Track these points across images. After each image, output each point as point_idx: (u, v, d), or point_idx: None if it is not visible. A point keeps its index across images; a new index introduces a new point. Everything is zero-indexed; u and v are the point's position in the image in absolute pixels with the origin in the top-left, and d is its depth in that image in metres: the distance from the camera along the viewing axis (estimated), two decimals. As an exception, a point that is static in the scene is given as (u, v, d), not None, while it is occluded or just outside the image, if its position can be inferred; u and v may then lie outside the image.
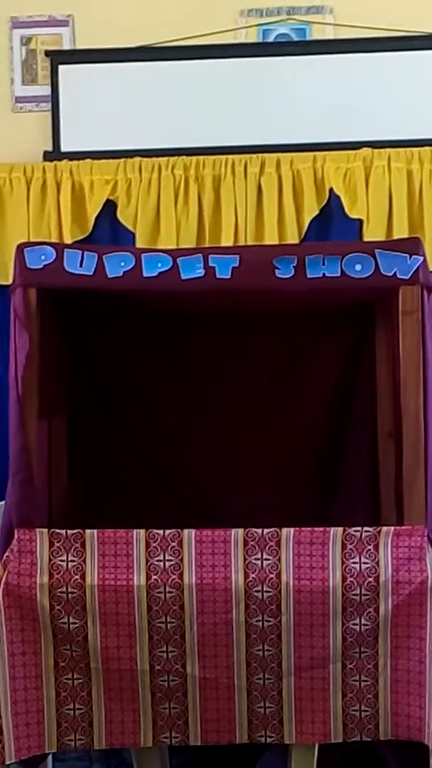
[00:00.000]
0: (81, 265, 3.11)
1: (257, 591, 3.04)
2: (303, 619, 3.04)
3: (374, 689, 3.06)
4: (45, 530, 3.08)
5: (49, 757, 3.50)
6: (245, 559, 3.05)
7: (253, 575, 3.04)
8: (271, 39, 4.90)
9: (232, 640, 3.04)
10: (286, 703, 3.06)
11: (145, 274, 3.10)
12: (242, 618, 3.04)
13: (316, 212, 4.76)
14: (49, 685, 3.06)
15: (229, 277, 3.09)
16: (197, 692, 3.05)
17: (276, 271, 3.09)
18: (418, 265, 3.10)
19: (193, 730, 3.07)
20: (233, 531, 3.07)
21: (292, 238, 4.70)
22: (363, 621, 3.03)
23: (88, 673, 3.06)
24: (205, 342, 3.67)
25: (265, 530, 3.06)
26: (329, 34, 4.88)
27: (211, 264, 3.10)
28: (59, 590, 3.04)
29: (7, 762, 3.03)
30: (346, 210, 4.74)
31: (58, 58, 4.91)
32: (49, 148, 4.88)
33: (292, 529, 3.06)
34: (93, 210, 4.81)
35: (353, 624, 3.04)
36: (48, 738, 3.07)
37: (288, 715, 3.06)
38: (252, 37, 4.90)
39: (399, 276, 3.10)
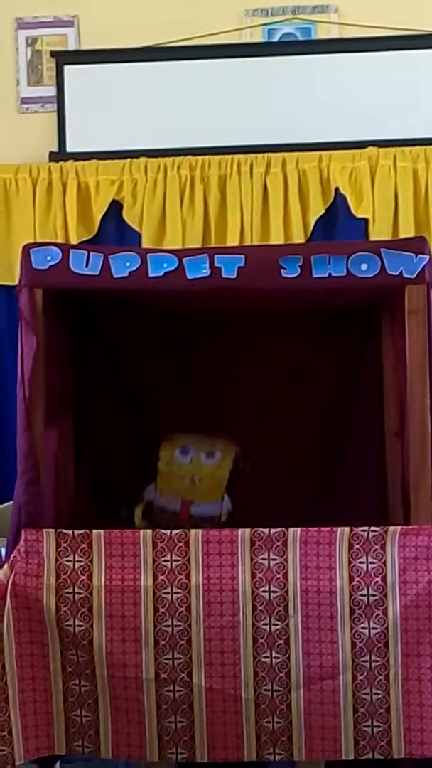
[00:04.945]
0: (87, 266, 3.11)
1: (264, 591, 3.03)
2: (311, 621, 3.01)
3: (386, 702, 3.00)
4: (52, 531, 3.07)
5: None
6: (252, 559, 3.04)
7: (260, 575, 3.03)
8: (276, 38, 4.91)
9: (239, 645, 3.01)
10: (296, 718, 3.00)
11: (150, 274, 3.10)
12: (249, 621, 3.02)
13: (322, 212, 4.77)
14: (57, 689, 3.04)
15: (234, 276, 3.09)
16: (203, 705, 3.01)
17: (282, 270, 3.08)
18: (424, 264, 3.09)
19: (200, 746, 3.01)
20: (240, 531, 3.06)
21: (298, 237, 4.71)
22: (372, 625, 3.01)
23: (94, 681, 3.03)
24: (210, 342, 3.66)
25: (272, 530, 3.05)
26: (334, 33, 4.88)
27: (216, 264, 3.09)
28: (66, 591, 3.03)
29: (17, 763, 3.02)
30: (352, 209, 4.75)
31: (64, 58, 4.92)
32: (55, 149, 4.89)
33: (299, 529, 3.05)
34: (99, 210, 4.82)
35: (362, 628, 3.01)
36: (57, 740, 3.05)
37: (297, 731, 3.00)
38: (257, 36, 4.91)
39: (405, 275, 3.09)
